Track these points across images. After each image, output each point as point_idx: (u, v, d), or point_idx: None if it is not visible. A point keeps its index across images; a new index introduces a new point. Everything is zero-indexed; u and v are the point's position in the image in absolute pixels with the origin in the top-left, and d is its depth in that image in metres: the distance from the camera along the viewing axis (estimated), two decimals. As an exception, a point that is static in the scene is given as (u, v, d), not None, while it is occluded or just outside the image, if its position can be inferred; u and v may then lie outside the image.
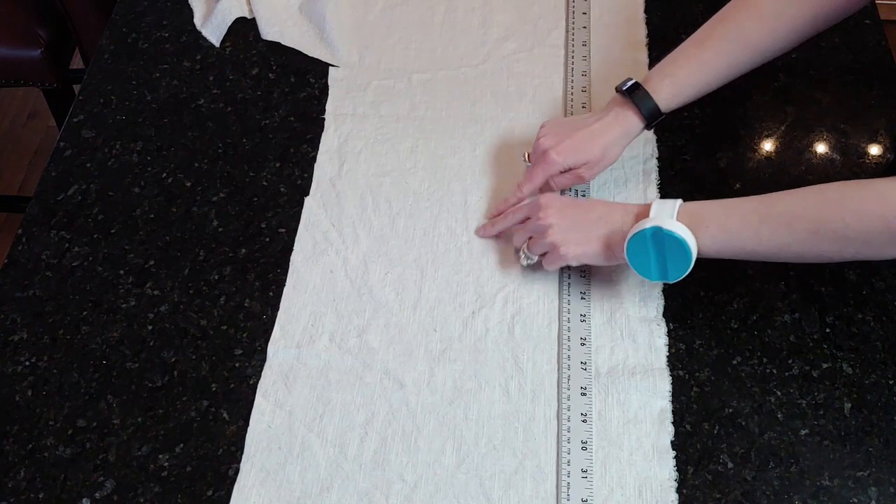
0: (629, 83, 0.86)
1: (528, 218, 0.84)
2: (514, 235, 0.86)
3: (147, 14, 1.10)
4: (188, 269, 0.87)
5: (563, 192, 0.90)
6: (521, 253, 0.85)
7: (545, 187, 0.88)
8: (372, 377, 0.79)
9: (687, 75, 0.85)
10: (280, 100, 1.01)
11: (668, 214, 0.75)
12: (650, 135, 0.95)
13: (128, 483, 0.74)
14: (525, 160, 0.91)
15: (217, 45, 1.07)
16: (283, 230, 0.90)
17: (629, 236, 0.76)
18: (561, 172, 0.87)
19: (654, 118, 0.86)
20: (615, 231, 0.79)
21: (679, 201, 0.77)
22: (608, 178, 0.92)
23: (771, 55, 0.85)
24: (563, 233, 0.80)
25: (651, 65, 1.02)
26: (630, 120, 0.86)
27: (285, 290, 0.85)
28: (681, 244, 0.74)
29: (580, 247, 0.80)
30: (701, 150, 0.95)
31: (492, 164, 0.95)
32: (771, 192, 0.75)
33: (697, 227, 0.75)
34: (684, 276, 0.76)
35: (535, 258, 0.84)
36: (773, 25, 0.83)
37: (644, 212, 0.78)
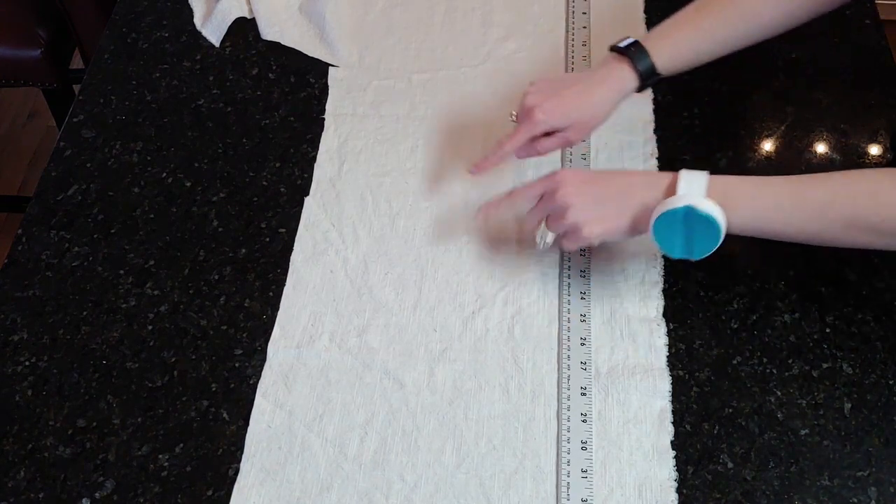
0: (626, 41, 0.82)
1: (543, 196, 0.79)
2: (527, 215, 0.82)
3: (147, 14, 1.10)
4: (188, 269, 0.87)
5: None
6: (537, 234, 0.82)
7: (531, 151, 0.84)
8: (372, 377, 0.79)
9: (686, 38, 0.82)
10: (280, 100, 1.01)
11: (699, 191, 0.72)
12: (650, 134, 0.95)
13: (128, 483, 0.74)
14: (512, 118, 0.86)
15: (217, 45, 1.07)
16: (283, 230, 0.90)
17: (657, 214, 0.73)
18: (546, 134, 0.82)
19: (649, 77, 0.81)
20: (641, 206, 0.75)
21: (706, 174, 0.73)
22: (608, 178, 0.92)
23: (773, 29, 0.82)
24: (585, 212, 0.76)
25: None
26: (625, 75, 0.81)
27: (285, 290, 0.85)
28: (712, 224, 0.72)
29: (603, 225, 0.76)
30: (701, 150, 0.95)
31: (492, 164, 0.94)
32: None
33: (727, 206, 0.72)
34: (709, 254, 0.74)
35: (551, 239, 0.81)
36: (778, 1, 0.81)
37: (671, 185, 0.73)
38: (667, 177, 0.75)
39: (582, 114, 0.82)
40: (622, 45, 0.82)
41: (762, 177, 0.74)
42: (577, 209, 0.76)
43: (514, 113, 0.86)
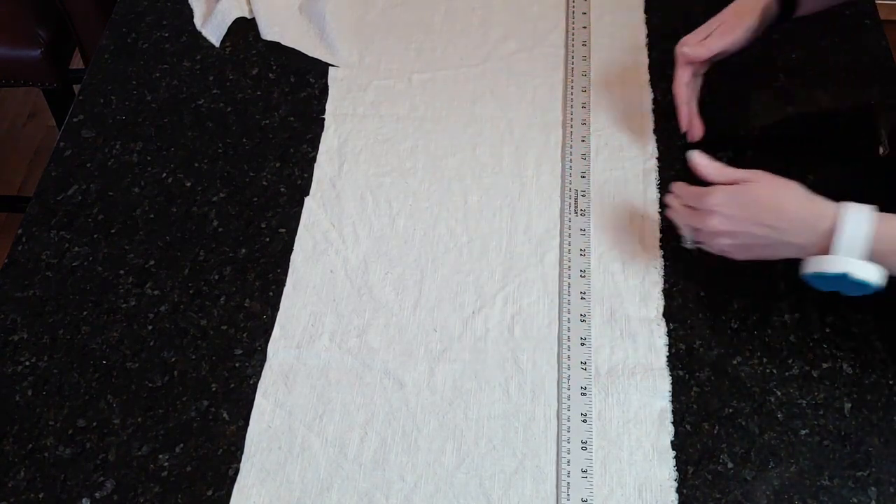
0: None
1: (696, 212, 0.78)
2: (678, 214, 0.81)
3: (147, 14, 1.10)
4: (188, 269, 0.87)
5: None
6: (685, 237, 0.81)
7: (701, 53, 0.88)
8: (372, 377, 0.79)
9: None
10: (280, 100, 1.01)
11: (860, 246, 0.67)
12: (650, 134, 0.95)
13: (128, 483, 0.74)
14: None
15: (217, 45, 1.07)
16: (283, 230, 0.90)
17: (806, 272, 0.72)
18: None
19: None
20: (795, 250, 0.73)
21: (871, 216, 0.68)
22: (608, 178, 0.92)
23: None
24: (734, 243, 0.76)
25: (651, 65, 1.02)
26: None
27: (285, 290, 0.85)
28: (868, 287, 0.69)
29: (750, 255, 0.77)
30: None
31: (492, 164, 0.94)
32: None
33: (890, 256, 0.68)
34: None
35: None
36: None
37: (829, 231, 0.69)
38: (826, 218, 0.70)
39: (725, 15, 0.88)
40: None
41: None
42: (725, 240, 0.76)
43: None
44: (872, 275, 0.68)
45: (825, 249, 0.70)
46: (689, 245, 0.82)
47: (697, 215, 0.78)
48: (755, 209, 0.74)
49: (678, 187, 0.82)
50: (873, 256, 0.68)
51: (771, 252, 0.76)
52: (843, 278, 0.69)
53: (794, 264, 0.81)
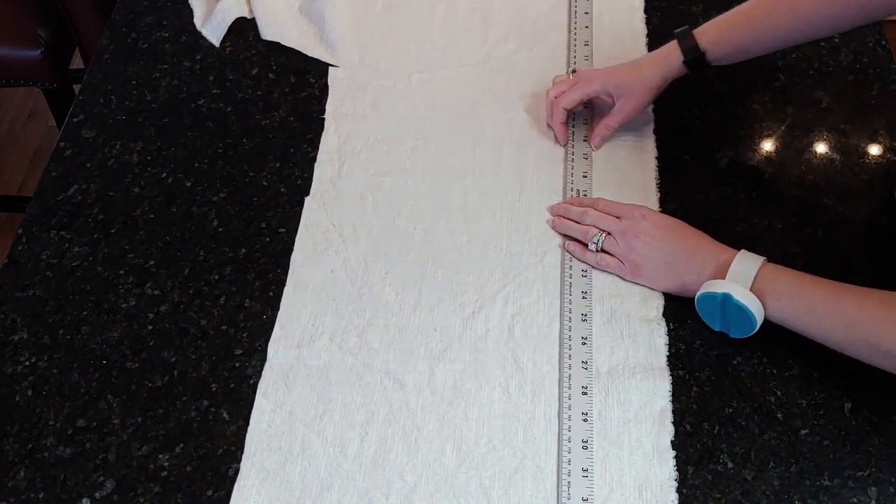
0: (682, 28, 0.90)
1: (620, 218, 0.84)
2: (595, 220, 0.86)
3: (147, 14, 1.10)
4: (188, 269, 0.87)
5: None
6: (592, 242, 0.85)
7: (603, 132, 0.94)
8: (372, 377, 0.79)
9: (731, 25, 0.87)
10: (280, 100, 1.01)
11: (745, 280, 0.76)
12: (650, 134, 0.96)
13: (128, 483, 0.74)
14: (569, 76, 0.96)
15: (217, 45, 1.07)
16: (283, 230, 0.90)
17: (699, 293, 0.78)
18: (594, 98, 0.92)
19: (692, 53, 0.87)
20: (692, 277, 0.80)
21: (761, 262, 0.76)
22: (609, 178, 0.93)
23: (820, 29, 0.86)
24: (648, 261, 0.82)
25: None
26: (670, 51, 0.89)
27: (285, 290, 0.85)
28: (747, 316, 0.75)
29: (656, 280, 0.83)
30: (701, 150, 0.95)
31: (492, 164, 0.94)
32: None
33: (768, 295, 0.75)
34: (747, 337, 0.78)
35: (599, 247, 0.85)
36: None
37: (725, 264, 0.77)
38: (727, 254, 0.79)
39: (632, 80, 0.90)
40: (676, 31, 0.90)
41: (810, 276, 0.76)
42: (642, 254, 0.82)
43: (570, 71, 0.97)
44: (752, 302, 0.75)
45: (718, 277, 0.78)
46: (592, 248, 0.85)
47: (622, 230, 0.83)
48: (677, 232, 0.82)
49: (601, 205, 0.87)
50: (754, 290, 0.76)
51: (671, 273, 0.81)
52: (726, 300, 0.75)
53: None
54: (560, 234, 0.88)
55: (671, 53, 0.89)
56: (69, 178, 0.94)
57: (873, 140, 0.95)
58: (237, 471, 0.74)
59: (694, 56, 0.88)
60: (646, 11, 1.08)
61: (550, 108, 0.95)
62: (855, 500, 0.72)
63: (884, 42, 1.03)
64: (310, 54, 1.05)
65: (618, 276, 0.84)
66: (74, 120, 1.00)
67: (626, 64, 0.92)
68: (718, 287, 0.76)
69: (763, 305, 0.75)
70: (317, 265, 0.87)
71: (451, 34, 1.07)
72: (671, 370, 0.79)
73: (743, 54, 0.89)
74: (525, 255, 0.87)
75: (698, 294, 0.78)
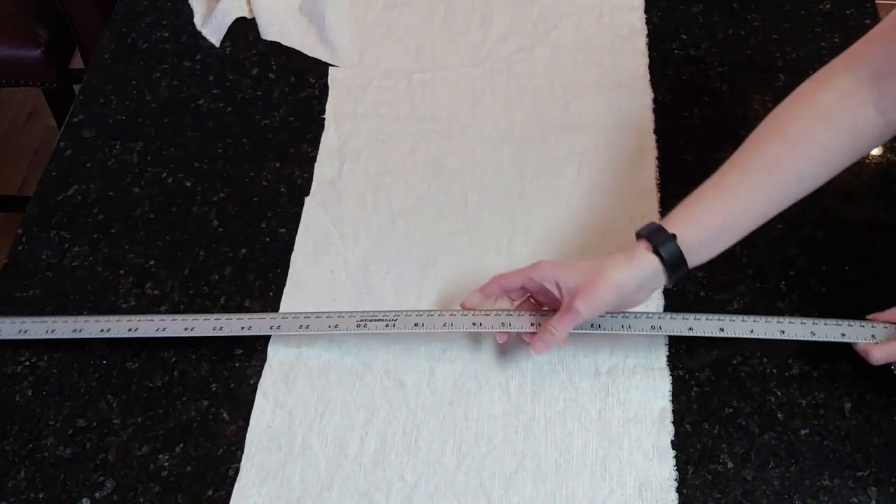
0: (645, 225, 0.75)
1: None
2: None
3: (147, 14, 1.10)
4: (188, 269, 0.87)
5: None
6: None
7: (545, 337, 0.75)
8: (372, 377, 0.79)
9: (706, 205, 0.74)
10: (280, 100, 1.01)
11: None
12: (650, 134, 0.95)
13: (128, 483, 0.74)
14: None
15: (217, 45, 1.07)
16: (283, 230, 0.90)
17: None
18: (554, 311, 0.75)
19: (658, 241, 0.73)
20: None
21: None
22: (609, 178, 0.92)
23: (812, 183, 0.75)
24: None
25: (651, 65, 1.02)
26: (639, 249, 0.73)
27: (285, 290, 0.85)
28: None
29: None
30: (701, 150, 0.95)
31: (492, 164, 0.94)
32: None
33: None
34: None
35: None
36: (803, 149, 0.73)
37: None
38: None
39: (587, 277, 0.73)
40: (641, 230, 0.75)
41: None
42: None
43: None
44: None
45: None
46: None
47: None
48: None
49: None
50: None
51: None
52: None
53: (794, 265, 0.81)
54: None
55: (638, 250, 0.73)
56: (69, 178, 0.94)
57: None
58: (237, 471, 0.74)
59: (668, 248, 0.73)
60: (646, 11, 1.08)
61: (489, 282, 0.78)
62: (855, 500, 0.72)
63: (884, 42, 1.03)
64: (310, 54, 1.06)
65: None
66: (74, 120, 1.00)
67: (584, 260, 0.76)
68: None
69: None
70: (317, 265, 0.87)
71: (451, 34, 1.07)
72: (671, 370, 0.79)
73: (726, 240, 0.75)
74: (525, 255, 0.87)
75: None
